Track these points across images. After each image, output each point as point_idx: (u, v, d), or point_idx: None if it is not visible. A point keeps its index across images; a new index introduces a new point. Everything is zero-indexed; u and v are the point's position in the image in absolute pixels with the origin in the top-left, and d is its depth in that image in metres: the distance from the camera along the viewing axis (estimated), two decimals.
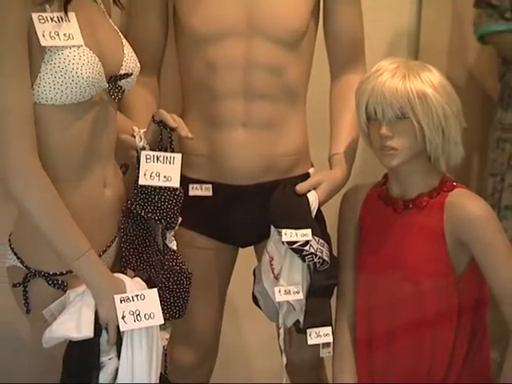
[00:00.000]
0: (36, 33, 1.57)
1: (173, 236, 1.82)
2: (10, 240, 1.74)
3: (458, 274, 1.88)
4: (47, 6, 1.59)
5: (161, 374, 1.74)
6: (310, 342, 1.90)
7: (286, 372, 1.98)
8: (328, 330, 1.91)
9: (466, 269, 1.89)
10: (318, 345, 1.93)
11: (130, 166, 1.88)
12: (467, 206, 1.86)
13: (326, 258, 1.88)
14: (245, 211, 1.98)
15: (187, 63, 1.98)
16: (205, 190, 1.98)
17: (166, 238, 1.82)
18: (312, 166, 2.07)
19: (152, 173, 1.74)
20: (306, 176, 1.99)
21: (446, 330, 1.90)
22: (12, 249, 1.73)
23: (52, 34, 1.58)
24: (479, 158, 2.73)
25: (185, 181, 1.84)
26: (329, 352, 1.96)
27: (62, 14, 1.60)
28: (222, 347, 2.15)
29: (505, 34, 2.50)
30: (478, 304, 1.93)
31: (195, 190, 1.96)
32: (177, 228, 1.82)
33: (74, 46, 1.60)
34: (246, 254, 2.09)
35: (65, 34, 1.60)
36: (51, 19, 1.59)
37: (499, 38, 2.51)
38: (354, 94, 1.90)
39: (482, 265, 1.85)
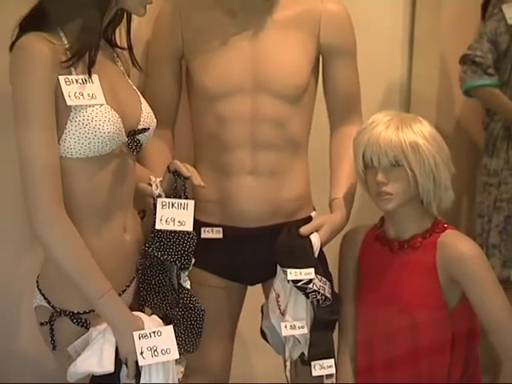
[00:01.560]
0: (62, 93, 1.58)
1: (187, 276, 1.81)
2: (37, 281, 1.73)
3: (450, 307, 1.87)
4: (72, 69, 1.61)
5: None
6: (315, 373, 1.89)
7: None
8: (331, 361, 1.90)
9: (458, 303, 1.88)
10: (322, 376, 1.91)
11: (147, 212, 1.88)
12: (458, 245, 1.86)
13: (328, 295, 1.88)
14: (253, 252, 1.97)
15: (199, 117, 1.99)
16: (216, 233, 1.97)
17: (180, 278, 1.80)
18: (314, 209, 2.06)
19: (167, 218, 1.74)
20: (309, 219, 1.99)
21: (441, 359, 1.89)
22: (39, 290, 1.72)
23: (77, 94, 1.60)
24: (467, 201, 2.73)
25: (197, 224, 1.83)
26: (332, 382, 1.94)
27: (85, 76, 1.62)
28: (232, 378, 2.13)
29: (488, 87, 2.52)
30: (470, 336, 1.92)
31: (207, 233, 1.96)
32: (190, 268, 1.81)
33: (96, 104, 1.62)
34: (254, 292, 2.08)
35: (88, 94, 1.61)
36: (76, 81, 1.61)
37: (483, 92, 2.53)
38: (352, 144, 1.91)
39: (472, 299, 1.85)
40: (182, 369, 1.81)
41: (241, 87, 1.91)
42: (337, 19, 1.97)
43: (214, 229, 1.97)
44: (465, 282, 1.84)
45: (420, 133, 1.83)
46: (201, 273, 1.95)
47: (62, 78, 1.59)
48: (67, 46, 1.62)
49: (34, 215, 1.59)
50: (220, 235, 1.97)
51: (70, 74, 1.61)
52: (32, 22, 1.61)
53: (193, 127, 2.04)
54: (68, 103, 1.59)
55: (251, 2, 1.91)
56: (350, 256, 2.01)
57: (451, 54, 2.68)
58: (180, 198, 1.77)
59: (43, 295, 1.71)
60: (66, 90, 1.59)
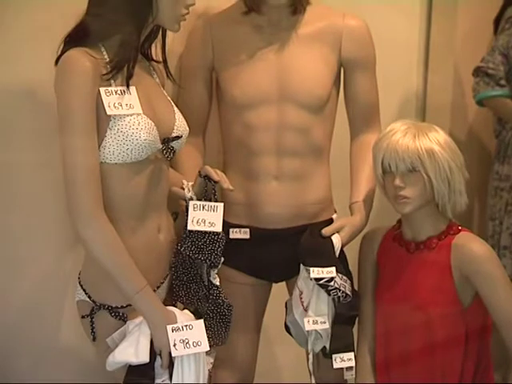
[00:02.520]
0: (103, 103, 1.61)
1: (216, 273, 1.82)
2: (79, 278, 1.76)
3: (464, 305, 1.87)
4: (112, 81, 1.64)
5: None
6: (336, 365, 1.89)
7: None
8: (351, 355, 1.90)
9: (472, 301, 1.87)
10: (343, 368, 1.92)
11: (179, 214, 1.90)
12: (472, 247, 1.86)
13: (349, 292, 1.88)
14: (277, 251, 1.97)
15: (228, 125, 2.00)
16: (243, 234, 1.98)
17: (210, 276, 1.82)
18: (335, 212, 2.06)
19: (198, 219, 1.76)
20: (330, 221, 1.99)
21: (455, 353, 1.88)
22: (81, 285, 1.74)
23: (116, 104, 1.62)
24: (479, 204, 2.72)
25: (226, 226, 1.84)
26: (352, 375, 1.95)
27: (124, 87, 1.64)
28: (258, 369, 2.14)
29: (500, 98, 2.52)
30: (483, 332, 1.91)
31: (235, 234, 1.97)
32: (220, 266, 1.82)
33: (134, 114, 1.64)
34: (279, 289, 2.09)
35: (126, 104, 1.63)
36: (115, 92, 1.63)
37: (495, 102, 2.52)
38: (371, 151, 1.91)
39: (485, 297, 1.84)
40: (212, 360, 1.82)
41: (267, 97, 1.92)
42: (358, 34, 1.97)
43: (242, 230, 1.98)
44: (478, 281, 1.84)
45: (436, 140, 1.83)
46: (229, 270, 1.95)
47: (102, 90, 1.61)
48: (107, 60, 1.64)
49: (76, 217, 1.61)
50: (247, 236, 1.98)
51: (110, 85, 1.63)
52: (76, 38, 1.63)
53: (222, 135, 2.05)
54: (108, 113, 1.61)
55: (277, 18, 1.92)
56: (369, 256, 2.01)
57: (464, 66, 2.67)
58: (210, 200, 1.78)
59: (84, 290, 1.73)
60: (106, 100, 1.61)
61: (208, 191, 1.80)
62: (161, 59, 1.81)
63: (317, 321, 1.87)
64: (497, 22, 2.65)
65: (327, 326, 1.88)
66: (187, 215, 1.76)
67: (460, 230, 1.90)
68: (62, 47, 1.64)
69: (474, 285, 1.85)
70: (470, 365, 1.89)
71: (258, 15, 1.93)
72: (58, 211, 1.84)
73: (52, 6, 1.77)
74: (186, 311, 1.75)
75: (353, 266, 2.00)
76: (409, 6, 2.59)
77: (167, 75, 1.83)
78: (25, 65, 1.78)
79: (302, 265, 1.89)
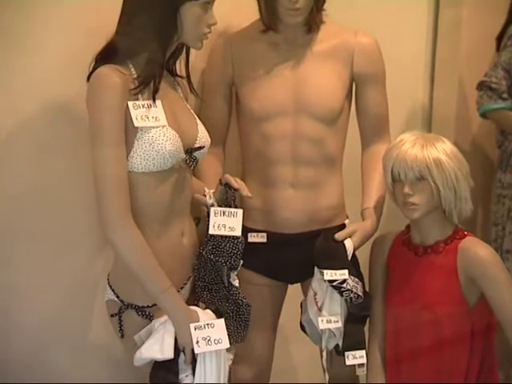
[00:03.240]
0: (131, 117, 1.61)
1: (236, 275, 1.82)
2: (108, 279, 1.77)
3: (470, 305, 1.86)
4: (139, 96, 1.64)
5: None
6: (348, 362, 1.89)
7: None
8: (362, 352, 1.90)
9: (477, 302, 1.86)
10: (355, 365, 1.91)
11: (201, 219, 1.89)
12: (477, 250, 1.85)
13: (360, 294, 1.88)
14: (293, 255, 1.97)
15: (246, 136, 2.01)
16: (260, 238, 1.98)
17: (230, 277, 1.82)
18: (347, 217, 2.06)
19: (219, 224, 1.76)
20: (343, 226, 1.99)
21: (461, 351, 1.87)
22: (110, 286, 1.75)
23: (143, 116, 1.63)
24: (483, 210, 2.70)
25: (245, 230, 1.83)
26: (363, 371, 1.94)
27: (150, 101, 1.65)
28: (274, 365, 2.13)
29: (502, 110, 2.51)
30: (488, 331, 1.90)
31: (253, 238, 1.97)
32: (239, 269, 1.82)
33: (159, 126, 1.64)
34: (294, 290, 2.09)
35: (153, 117, 1.64)
36: (142, 106, 1.64)
37: (498, 115, 2.51)
38: (381, 160, 1.90)
39: (490, 298, 1.84)
40: (232, 356, 1.82)
41: (283, 110, 1.92)
42: (368, 51, 1.96)
43: (259, 234, 1.98)
44: (483, 283, 1.83)
45: (442, 150, 1.83)
46: (247, 272, 1.95)
47: (130, 103, 1.62)
48: (135, 75, 1.65)
49: (105, 222, 1.62)
50: (264, 239, 1.98)
51: (138, 99, 1.64)
52: (106, 56, 1.65)
53: (241, 145, 2.05)
54: (135, 125, 1.62)
55: (293, 36, 1.93)
56: (379, 259, 2.00)
57: (468, 81, 2.66)
58: (230, 207, 1.79)
59: (113, 291, 1.74)
60: (133, 113, 1.62)
61: (228, 198, 1.80)
62: (184, 75, 1.81)
63: (330, 320, 1.88)
64: (499, 39, 2.64)
65: (340, 325, 1.88)
66: (209, 220, 1.77)
67: (466, 235, 1.90)
68: (93, 64, 1.65)
69: (479, 286, 1.84)
70: (476, 362, 1.88)
71: (274, 33, 1.93)
72: (89, 217, 1.85)
73: (84, 29, 1.77)
74: (208, 311, 1.75)
75: (364, 268, 1.99)
76: (416, 25, 2.59)
77: (190, 90, 1.84)
78: (59, 82, 1.78)
79: (316, 267, 1.89)
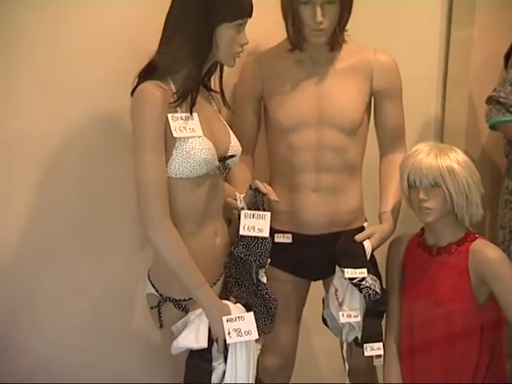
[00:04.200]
0: (170, 128, 1.62)
1: (264, 272, 1.82)
2: (148, 274, 1.77)
3: (479, 303, 1.84)
4: (178, 109, 1.65)
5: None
6: (366, 353, 1.88)
7: (347, 376, 1.96)
8: (380, 345, 1.88)
9: (487, 300, 1.84)
10: (372, 356, 1.90)
11: (232, 221, 1.89)
12: (487, 252, 1.83)
13: (378, 291, 1.86)
14: (316, 254, 1.96)
15: (274, 146, 2.00)
16: (286, 238, 1.97)
17: (258, 274, 1.82)
18: (366, 220, 2.05)
19: (249, 226, 1.76)
20: (362, 228, 1.98)
21: (471, 345, 1.85)
22: (150, 281, 1.76)
23: (181, 128, 1.64)
24: (491, 215, 2.66)
25: (272, 231, 1.83)
26: (380, 361, 1.93)
27: (188, 114, 1.66)
28: (298, 355, 2.12)
29: (510, 123, 2.47)
30: (497, 326, 1.87)
31: (279, 238, 1.96)
32: (267, 267, 1.82)
33: (196, 136, 1.65)
34: (316, 287, 2.08)
35: (190, 128, 1.65)
36: (181, 118, 1.64)
37: (506, 127, 2.47)
38: (398, 168, 1.89)
39: (499, 296, 1.81)
40: (260, 346, 1.81)
41: (307, 122, 1.91)
42: (387, 68, 1.95)
43: (285, 235, 1.97)
44: (493, 283, 1.81)
45: (455, 160, 1.81)
46: (274, 270, 1.94)
47: (170, 116, 1.63)
48: (174, 90, 1.66)
49: (146, 223, 1.63)
50: (290, 240, 1.97)
51: (176, 112, 1.65)
52: (148, 73, 1.66)
53: (269, 153, 2.05)
54: (174, 135, 1.63)
55: (317, 54, 1.92)
56: (396, 259, 1.98)
57: (477, 95, 2.62)
58: (259, 210, 1.79)
59: (153, 285, 1.75)
60: (173, 125, 1.63)
61: (257, 202, 1.80)
62: (218, 89, 1.82)
63: (350, 314, 1.87)
64: (507, 57, 2.60)
65: (359, 319, 1.87)
66: (239, 222, 1.77)
67: (476, 238, 1.87)
68: (136, 80, 1.66)
69: (489, 285, 1.82)
70: (485, 355, 1.86)
71: (300, 52, 1.93)
72: (131, 218, 1.86)
73: (128, 47, 1.79)
74: (238, 305, 1.75)
75: (381, 267, 1.98)
76: (430, 43, 2.57)
77: (223, 103, 1.85)
78: (106, 96, 1.80)
79: (337, 266, 1.88)
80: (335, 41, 1.90)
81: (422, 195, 1.80)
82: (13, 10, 1.66)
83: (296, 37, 1.89)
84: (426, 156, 1.81)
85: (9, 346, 1.77)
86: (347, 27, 1.91)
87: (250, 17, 1.69)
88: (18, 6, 1.66)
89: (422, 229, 1.96)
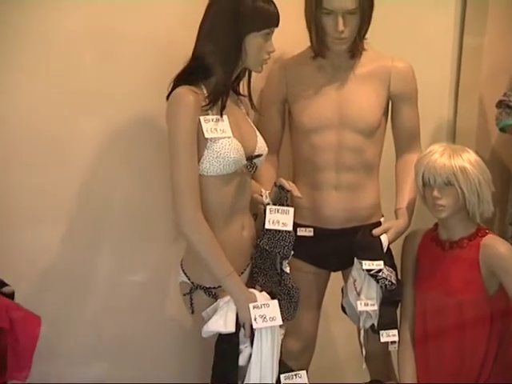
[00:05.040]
0: (202, 129, 1.62)
1: (287, 263, 1.81)
2: (181, 264, 1.77)
3: (490, 294, 1.80)
4: (209, 111, 1.64)
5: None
6: (382, 340, 1.86)
7: (364, 360, 1.94)
8: (395, 332, 1.86)
9: (496, 292, 1.81)
10: (388, 342, 1.88)
11: (258, 215, 1.88)
12: (497, 246, 1.80)
13: (394, 281, 1.85)
14: (335, 247, 1.94)
15: (297, 146, 1.98)
16: (308, 232, 1.95)
17: (282, 265, 1.80)
18: (382, 216, 2.02)
19: (274, 220, 1.74)
20: (379, 223, 1.95)
21: (481, 333, 1.82)
22: (183, 270, 1.76)
23: (212, 129, 1.63)
24: (500, 212, 2.61)
25: (295, 225, 1.80)
26: (395, 347, 1.91)
27: (218, 116, 1.65)
28: (318, 340, 2.10)
29: None
30: (505, 316, 1.83)
31: (302, 232, 1.93)
32: (290, 258, 1.80)
33: (226, 137, 1.64)
34: (336, 277, 2.06)
35: (220, 129, 1.64)
36: (212, 120, 1.64)
37: None
38: (413, 168, 1.86)
39: (508, 288, 1.78)
40: (283, 331, 1.80)
41: (329, 124, 1.89)
42: (404, 74, 1.93)
43: (307, 229, 1.95)
44: (502, 275, 1.77)
45: (467, 160, 1.78)
46: (297, 261, 1.92)
47: (202, 118, 1.62)
48: (206, 94, 1.65)
49: (180, 217, 1.63)
50: (311, 234, 1.95)
51: (208, 114, 1.64)
52: (182, 78, 1.65)
53: (292, 153, 2.03)
54: (206, 136, 1.62)
55: (338, 61, 1.90)
56: (410, 252, 1.95)
57: (487, 99, 2.57)
58: (283, 205, 1.77)
59: (185, 274, 1.75)
60: (204, 126, 1.62)
61: (281, 198, 1.79)
62: (246, 93, 1.80)
63: (367, 303, 1.85)
64: None
65: (376, 307, 1.85)
66: (265, 217, 1.75)
67: (487, 233, 1.84)
68: (171, 85, 1.66)
69: (499, 278, 1.79)
70: (494, 343, 1.83)
71: (322, 59, 1.91)
72: (166, 213, 1.86)
73: (164, 55, 1.79)
74: (264, 293, 1.74)
75: (397, 260, 1.95)
76: (443, 51, 2.52)
77: (251, 106, 1.83)
78: (143, 100, 1.81)
79: (356, 258, 1.87)
80: (355, 49, 1.88)
81: (435, 193, 1.78)
82: (63, 17, 1.67)
83: (319, 45, 1.87)
84: (440, 156, 1.78)
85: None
86: (367, 36, 1.89)
87: (277, 26, 1.68)
88: (68, 13, 1.67)
89: (436, 224, 1.93)
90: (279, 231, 1.76)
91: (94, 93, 1.74)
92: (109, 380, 1.85)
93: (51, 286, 1.75)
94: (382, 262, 1.82)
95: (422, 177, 1.80)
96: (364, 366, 1.96)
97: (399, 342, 1.89)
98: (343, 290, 1.96)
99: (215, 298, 1.71)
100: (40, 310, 1.41)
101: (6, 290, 1.41)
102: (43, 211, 1.72)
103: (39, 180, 1.70)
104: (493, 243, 1.80)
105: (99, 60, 1.74)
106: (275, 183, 1.81)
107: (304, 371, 1.77)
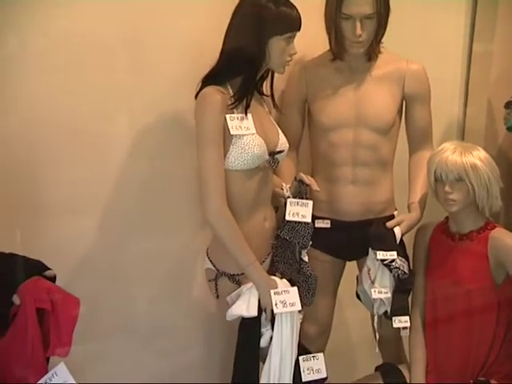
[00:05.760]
0: (228, 126, 1.61)
1: (305, 253, 1.79)
2: (207, 252, 1.77)
3: (497, 284, 1.77)
4: (235, 110, 1.64)
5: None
6: (395, 325, 1.83)
7: (377, 344, 1.91)
8: (407, 318, 1.84)
9: (504, 281, 1.77)
10: (400, 327, 1.85)
11: (279, 208, 1.86)
12: (506, 239, 1.76)
13: (406, 271, 1.82)
14: (351, 238, 1.92)
15: (316, 143, 1.96)
16: (325, 224, 1.93)
17: (301, 254, 1.78)
18: (396, 209, 1.99)
19: (294, 212, 1.73)
20: (392, 216, 1.93)
21: (489, 320, 1.79)
22: (208, 257, 1.75)
23: (237, 126, 1.62)
24: (505, 206, 2.56)
25: (313, 217, 1.79)
26: (406, 333, 1.88)
27: (243, 114, 1.64)
28: (334, 325, 2.08)
29: None
30: None
31: (319, 224, 1.91)
32: (308, 248, 1.79)
33: (250, 134, 1.63)
34: (351, 266, 2.03)
35: (245, 127, 1.63)
36: (237, 118, 1.63)
37: None
38: (426, 164, 1.83)
39: None
40: (301, 316, 1.79)
41: (346, 123, 1.87)
42: (418, 75, 1.89)
43: (325, 221, 1.93)
44: (510, 266, 1.74)
45: (478, 157, 1.74)
46: (315, 251, 1.90)
47: (227, 116, 1.62)
48: (232, 94, 1.64)
49: (206, 208, 1.62)
50: (328, 225, 1.93)
51: (233, 113, 1.63)
52: (210, 79, 1.65)
53: (311, 150, 2.01)
54: (231, 133, 1.61)
55: (355, 63, 1.88)
56: (422, 243, 1.93)
57: (495, 101, 2.52)
58: (302, 198, 1.75)
59: (211, 261, 1.74)
60: (230, 124, 1.62)
61: (301, 192, 1.77)
62: (269, 93, 1.79)
63: (381, 291, 1.83)
64: None
65: (389, 295, 1.83)
66: (285, 209, 1.74)
67: (495, 226, 1.81)
68: (200, 85, 1.65)
69: (506, 268, 1.75)
70: (501, 329, 1.80)
71: (340, 61, 1.88)
72: (193, 204, 1.86)
73: (190, 56, 1.78)
74: (284, 280, 1.73)
75: (409, 251, 1.92)
76: (454, 55, 2.48)
77: (273, 105, 1.82)
78: (173, 99, 1.80)
79: (370, 249, 1.84)
80: (372, 52, 1.86)
81: (447, 188, 1.75)
82: (98, 23, 1.66)
83: (337, 48, 1.85)
84: (452, 154, 1.75)
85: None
86: (383, 40, 1.86)
87: (299, 30, 1.67)
88: (102, 20, 1.66)
89: (446, 217, 1.90)
90: (298, 222, 1.74)
91: (127, 93, 1.74)
92: (141, 357, 1.85)
93: (88, 270, 1.76)
94: (395, 253, 1.80)
95: (435, 173, 1.78)
96: (377, 349, 1.94)
97: (410, 327, 1.87)
98: (358, 279, 1.94)
99: (239, 284, 1.70)
100: (78, 293, 1.41)
101: (48, 273, 1.42)
102: (80, 203, 1.73)
103: (77, 175, 1.71)
104: (501, 236, 1.77)
105: (132, 63, 1.74)
106: (295, 178, 1.79)
107: (321, 353, 1.75)
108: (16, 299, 1.34)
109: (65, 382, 1.32)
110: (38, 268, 1.41)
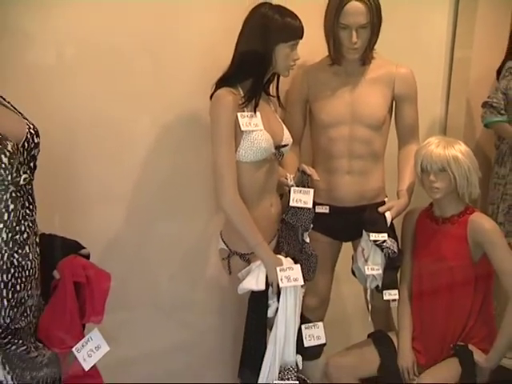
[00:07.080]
0: (239, 123, 1.60)
1: (307, 235, 1.79)
2: (221, 234, 1.77)
3: (475, 261, 1.77)
4: (245, 109, 1.63)
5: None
6: (385, 298, 1.83)
7: (369, 315, 1.91)
8: (395, 291, 1.84)
9: (480, 259, 1.77)
10: (389, 300, 1.85)
11: (284, 195, 1.86)
12: (483, 222, 1.76)
13: (396, 250, 1.81)
14: (347, 221, 1.91)
15: (316, 138, 1.95)
16: (324, 209, 1.92)
17: (303, 236, 1.79)
18: (386, 196, 1.98)
19: (297, 199, 1.73)
20: (384, 202, 1.91)
21: (467, 292, 1.79)
22: (222, 239, 1.75)
23: (247, 123, 1.62)
24: (483, 194, 2.55)
25: (314, 204, 1.78)
26: (395, 304, 1.88)
27: (252, 113, 1.63)
28: (332, 298, 2.08)
29: (500, 122, 2.37)
30: (487, 279, 1.80)
31: (319, 209, 1.90)
32: (310, 230, 1.79)
33: (258, 130, 1.63)
34: (347, 246, 2.02)
35: (254, 124, 1.63)
36: (247, 116, 1.62)
37: (497, 126, 2.38)
38: (413, 156, 1.82)
39: (491, 256, 1.73)
40: (303, 290, 1.77)
41: (343, 120, 1.85)
42: (406, 78, 1.88)
43: (324, 206, 1.91)
44: (486, 246, 1.73)
45: (459, 150, 1.73)
46: (315, 233, 1.89)
47: (239, 114, 1.61)
48: (242, 95, 1.63)
49: (220, 197, 1.62)
50: (327, 211, 1.92)
51: (244, 111, 1.62)
52: (223, 81, 1.64)
53: (312, 144, 1.99)
54: (242, 129, 1.61)
55: (351, 68, 1.86)
56: (409, 226, 1.92)
57: (474, 100, 2.51)
58: (304, 187, 1.75)
59: (224, 242, 1.74)
60: (241, 121, 1.61)
61: (303, 181, 1.77)
62: (275, 94, 1.78)
63: (373, 268, 1.82)
64: (499, 71, 2.48)
65: (380, 272, 1.82)
66: (289, 196, 1.74)
67: (474, 211, 1.80)
68: (214, 87, 1.64)
69: (483, 248, 1.75)
70: (478, 300, 1.80)
71: (338, 66, 1.87)
72: (209, 192, 1.85)
73: (207, 62, 1.76)
74: (288, 258, 1.73)
75: (398, 232, 1.91)
76: (437, 60, 2.46)
77: (279, 105, 1.81)
78: (190, 99, 1.79)
79: (364, 231, 1.83)
80: (366, 57, 1.84)
81: (432, 177, 1.74)
82: (119, 29, 1.64)
83: (335, 54, 1.83)
84: (436, 147, 1.74)
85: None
86: (375, 46, 1.84)
87: (301, 38, 1.65)
88: (119, 27, 1.64)
89: (431, 203, 1.89)
90: (301, 208, 1.74)
91: (150, 97, 1.73)
92: (163, 326, 1.86)
93: (117, 251, 1.76)
94: (386, 234, 1.79)
95: (421, 164, 1.76)
96: (369, 319, 1.93)
97: (399, 299, 1.86)
98: (353, 257, 1.94)
99: (248, 262, 1.70)
100: (109, 270, 1.41)
101: (83, 251, 1.43)
102: (110, 193, 1.72)
103: (107, 170, 1.71)
104: (479, 220, 1.76)
105: (154, 70, 1.73)
106: (298, 169, 1.79)
107: (321, 322, 1.75)
108: (56, 274, 1.36)
109: (98, 345, 1.33)
110: (74, 247, 1.42)
